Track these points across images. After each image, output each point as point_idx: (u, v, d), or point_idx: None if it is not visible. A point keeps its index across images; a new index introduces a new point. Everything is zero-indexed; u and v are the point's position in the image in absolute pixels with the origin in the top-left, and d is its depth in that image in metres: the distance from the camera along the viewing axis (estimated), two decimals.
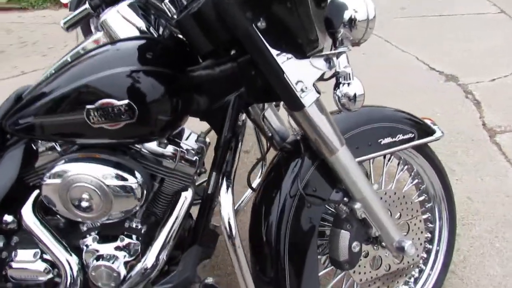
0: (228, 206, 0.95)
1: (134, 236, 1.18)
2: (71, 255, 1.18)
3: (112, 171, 1.06)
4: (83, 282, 1.19)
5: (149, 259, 1.14)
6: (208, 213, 1.21)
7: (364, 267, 1.18)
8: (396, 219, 1.21)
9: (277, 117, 1.25)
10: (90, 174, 1.04)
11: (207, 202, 1.18)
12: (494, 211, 1.75)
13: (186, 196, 1.16)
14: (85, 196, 1.06)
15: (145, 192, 1.10)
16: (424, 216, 1.38)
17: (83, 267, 1.19)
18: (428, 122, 1.30)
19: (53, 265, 1.20)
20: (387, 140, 1.18)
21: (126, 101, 0.95)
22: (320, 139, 1.02)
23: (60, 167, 1.07)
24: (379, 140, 1.17)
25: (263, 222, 1.09)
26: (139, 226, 1.18)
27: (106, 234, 1.19)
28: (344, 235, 1.11)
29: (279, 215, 1.07)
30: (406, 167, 1.34)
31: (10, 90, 1.12)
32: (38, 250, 1.21)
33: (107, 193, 1.06)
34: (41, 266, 1.21)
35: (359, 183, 1.07)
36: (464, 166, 2.04)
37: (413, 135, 1.22)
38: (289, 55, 0.93)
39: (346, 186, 1.08)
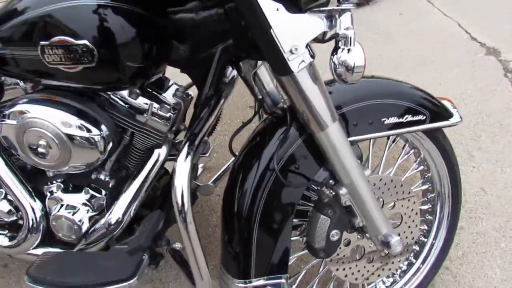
0: (183, 176, 0.82)
1: (100, 190, 1.10)
2: (34, 200, 1.12)
3: (73, 119, 0.95)
4: (45, 228, 1.13)
5: (113, 214, 1.06)
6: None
7: (344, 256, 1.06)
8: (388, 209, 1.08)
9: (272, 77, 1.09)
10: (48, 120, 0.94)
11: None
12: (508, 207, 1.58)
13: (159, 154, 1.06)
14: (42, 142, 0.96)
15: (109, 145, 1.00)
16: (424, 207, 1.24)
17: (46, 214, 1.12)
18: (446, 104, 1.11)
19: (18, 207, 1.14)
20: (392, 119, 1.01)
21: (83, 41, 0.82)
22: (308, 111, 0.87)
23: (18, 107, 0.97)
24: (382, 119, 1.00)
25: (237, 191, 0.97)
26: (107, 179, 1.10)
27: (71, 183, 1.11)
28: (324, 221, 0.99)
29: (254, 186, 0.95)
30: (412, 151, 1.18)
31: None
32: (2, 190, 1.14)
33: (65, 142, 0.95)
34: (5, 207, 1.15)
35: (348, 166, 0.93)
36: (486, 153, 1.84)
37: (424, 117, 1.04)
38: (280, 6, 0.76)
39: (333, 167, 0.94)
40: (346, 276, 1.08)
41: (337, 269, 1.07)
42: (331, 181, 0.98)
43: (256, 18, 0.75)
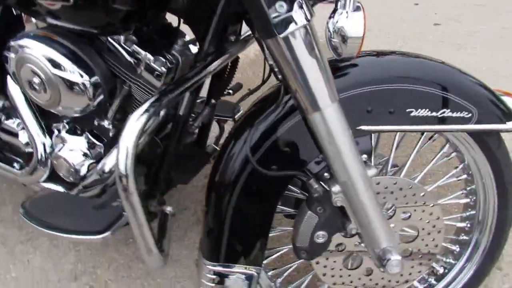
0: (129, 137, 0.72)
1: (100, 137, 1.07)
2: (45, 136, 1.13)
3: (65, 61, 0.91)
4: (52, 165, 1.15)
5: (107, 163, 1.03)
6: (180, 137, 1.03)
7: (334, 262, 0.90)
8: (401, 219, 0.88)
9: None
10: (39, 58, 0.90)
11: (178, 123, 0.99)
12: None
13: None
14: (35, 79, 0.94)
15: (101, 93, 0.95)
16: (461, 224, 1.01)
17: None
18: (507, 100, 0.85)
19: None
20: (422, 112, 0.79)
21: None
22: (299, 86, 0.70)
23: (18, 41, 0.95)
24: (408, 109, 0.79)
25: (223, 161, 0.86)
26: (108, 128, 1.06)
27: (76, 126, 1.09)
28: (310, 218, 0.84)
29: (234, 169, 0.83)
30: (454, 153, 0.94)
31: None
32: (21, 121, 1.18)
33: (53, 83, 0.92)
34: (23, 137, 1.19)
35: (344, 161, 0.75)
36: None
37: (469, 114, 0.80)
38: None
39: (326, 159, 0.77)
40: (334, 284, 0.93)
41: (324, 274, 0.92)
42: (326, 174, 0.81)
43: None
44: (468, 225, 1.00)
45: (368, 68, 0.81)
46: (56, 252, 1.39)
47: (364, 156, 0.81)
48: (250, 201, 0.84)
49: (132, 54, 0.91)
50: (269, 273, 1.01)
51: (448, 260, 1.03)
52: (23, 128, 1.18)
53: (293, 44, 0.66)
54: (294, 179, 0.87)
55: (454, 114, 0.80)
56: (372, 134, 0.86)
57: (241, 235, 0.86)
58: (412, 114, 0.80)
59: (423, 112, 0.80)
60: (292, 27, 0.64)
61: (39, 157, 1.14)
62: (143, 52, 0.90)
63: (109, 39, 0.93)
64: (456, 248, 1.02)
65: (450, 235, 1.05)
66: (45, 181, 1.18)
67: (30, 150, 1.20)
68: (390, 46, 2.13)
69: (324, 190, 0.81)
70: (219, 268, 0.88)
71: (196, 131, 1.18)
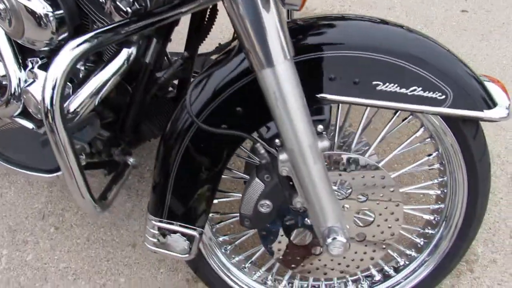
0: (57, 71, 0.66)
1: (71, 78, 1.04)
2: (20, 70, 1.11)
3: None
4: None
5: (72, 104, 1.00)
6: (147, 85, 0.99)
7: (281, 236, 0.86)
8: (356, 201, 0.82)
9: None
10: None
11: (144, 71, 0.95)
12: None
13: (127, 53, 0.94)
14: (1, 6, 0.90)
15: (66, 28, 0.91)
16: (428, 217, 0.95)
17: None
18: (492, 87, 0.76)
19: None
20: (390, 87, 0.72)
21: None
22: (250, 40, 0.64)
23: None
24: (374, 82, 0.72)
25: (174, 117, 0.81)
26: (80, 68, 1.02)
27: (47, 62, 1.07)
28: (256, 185, 0.79)
29: (181, 124, 0.78)
30: (429, 139, 0.87)
31: None
32: None
33: (16, 11, 0.88)
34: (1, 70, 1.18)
35: (293, 126, 0.69)
36: None
37: (443, 96, 0.73)
38: None
39: (276, 123, 0.71)
40: (280, 259, 0.89)
41: (270, 247, 0.87)
42: (277, 141, 0.76)
43: None
44: (436, 219, 0.93)
45: (334, 31, 0.73)
46: (29, 190, 1.39)
47: (320, 127, 0.75)
48: (196, 160, 0.79)
49: None
50: (220, 239, 0.98)
51: (410, 253, 0.97)
52: (0, 61, 1.17)
53: None
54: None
55: (426, 94, 0.73)
56: (335, 105, 0.80)
57: (185, 194, 0.82)
58: (379, 88, 0.72)
59: (391, 87, 0.72)
60: None
61: (12, 90, 1.12)
62: None
63: None
64: (420, 241, 0.96)
65: (417, 227, 0.99)
66: (18, 116, 1.17)
67: (5, 83, 1.18)
68: None
69: (272, 157, 0.75)
70: (161, 224, 0.85)
71: (171, 85, 1.13)
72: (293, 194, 0.78)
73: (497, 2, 2.15)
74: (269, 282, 1.01)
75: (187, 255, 0.86)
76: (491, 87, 0.76)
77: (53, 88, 0.66)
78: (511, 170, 1.38)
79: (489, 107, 0.74)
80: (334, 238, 0.75)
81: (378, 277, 0.99)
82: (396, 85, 0.72)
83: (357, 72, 0.72)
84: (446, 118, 0.78)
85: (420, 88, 0.72)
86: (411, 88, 0.72)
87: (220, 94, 0.74)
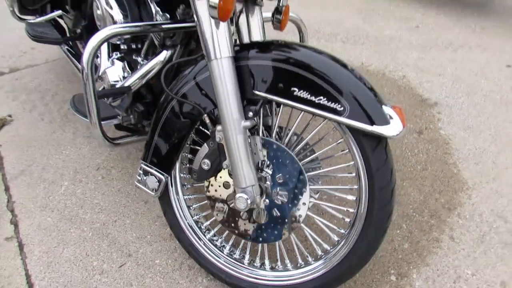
0: (90, 47, 1.05)
1: (130, 61, 1.44)
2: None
3: None
4: None
5: (110, 75, 1.38)
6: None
7: (216, 191, 1.13)
8: (275, 177, 1.06)
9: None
10: None
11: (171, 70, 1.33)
12: None
13: (164, 54, 1.31)
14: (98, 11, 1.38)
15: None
16: (346, 219, 1.11)
17: None
18: (387, 110, 0.94)
19: None
20: (303, 93, 0.96)
21: None
22: (202, 37, 0.97)
23: None
24: (293, 88, 0.97)
25: (164, 93, 1.13)
26: (138, 56, 1.43)
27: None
28: (203, 148, 1.08)
29: (185, 79, 1.08)
30: (346, 151, 1.06)
31: None
32: None
33: None
34: None
35: (226, 104, 0.97)
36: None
37: (342, 108, 0.94)
38: None
39: (216, 101, 1.00)
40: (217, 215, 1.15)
41: (209, 196, 1.14)
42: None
43: None
44: (348, 221, 1.09)
45: (276, 51, 1.00)
46: (97, 149, 1.87)
47: (250, 113, 1.02)
48: (171, 123, 1.12)
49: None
50: (188, 196, 1.27)
51: (321, 249, 1.13)
52: None
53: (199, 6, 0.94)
54: None
55: (329, 104, 0.94)
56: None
57: (161, 148, 1.15)
58: (295, 93, 0.97)
59: (304, 94, 0.96)
60: None
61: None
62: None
63: None
64: (334, 238, 1.12)
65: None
66: None
67: None
68: (452, 99, 2.11)
69: (213, 127, 1.05)
70: (144, 167, 1.19)
71: None
72: (223, 158, 1.06)
73: None
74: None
75: (154, 193, 1.18)
76: (388, 110, 0.95)
77: (88, 58, 1.06)
78: (474, 227, 1.41)
79: (378, 124, 0.93)
80: (238, 195, 1.00)
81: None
82: (308, 93, 0.96)
83: (282, 79, 0.98)
84: (352, 130, 0.98)
85: (325, 99, 0.95)
86: (318, 98, 0.95)
87: (190, 80, 1.07)
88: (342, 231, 1.10)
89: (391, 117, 0.94)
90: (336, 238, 1.12)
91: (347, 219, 1.09)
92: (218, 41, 0.95)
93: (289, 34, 2.49)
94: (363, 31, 2.82)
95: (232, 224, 1.16)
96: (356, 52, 2.56)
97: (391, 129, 0.93)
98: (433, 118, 1.95)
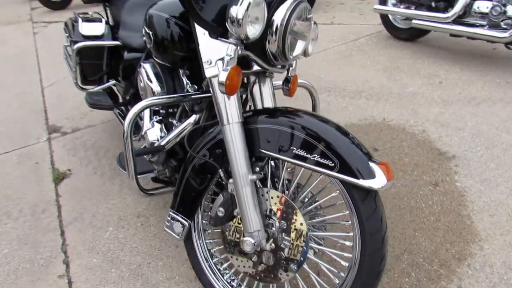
0: (131, 115, 1.31)
1: (166, 124, 1.69)
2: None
3: (155, 75, 1.61)
4: None
5: (149, 135, 1.64)
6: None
7: (231, 235, 1.28)
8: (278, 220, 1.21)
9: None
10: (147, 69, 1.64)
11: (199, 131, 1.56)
12: None
13: (194, 118, 1.55)
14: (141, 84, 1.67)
15: None
16: (343, 263, 1.22)
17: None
18: (374, 166, 1.07)
19: None
20: (301, 152, 1.13)
21: None
22: (216, 107, 1.18)
23: (144, 64, 1.70)
24: (292, 147, 1.15)
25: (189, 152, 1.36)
26: (172, 119, 1.68)
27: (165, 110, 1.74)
28: (219, 198, 1.27)
29: (205, 140, 1.30)
30: (341, 202, 1.20)
31: None
32: None
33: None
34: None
35: (236, 163, 1.17)
36: None
37: (333, 164, 1.09)
38: (206, 32, 1.13)
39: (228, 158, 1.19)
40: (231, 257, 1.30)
41: (226, 246, 1.30)
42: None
43: (195, 34, 1.16)
44: (347, 265, 1.20)
45: (280, 116, 1.19)
46: (139, 199, 2.11)
47: (257, 168, 1.20)
48: (194, 176, 1.32)
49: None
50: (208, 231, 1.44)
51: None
52: None
53: (213, 83, 1.16)
54: None
55: (322, 160, 1.10)
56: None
57: (185, 196, 1.35)
58: (294, 151, 1.14)
59: (301, 152, 1.13)
60: (210, 74, 1.14)
61: None
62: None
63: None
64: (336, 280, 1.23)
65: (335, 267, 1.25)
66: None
67: None
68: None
69: (227, 180, 1.23)
70: (172, 213, 1.39)
71: None
72: (235, 207, 1.23)
73: None
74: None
75: (179, 237, 1.36)
76: (374, 166, 1.09)
77: (129, 123, 1.31)
78: (484, 277, 1.43)
79: (365, 178, 1.07)
80: (246, 238, 1.16)
81: None
82: (304, 151, 1.13)
83: (282, 140, 1.16)
84: (343, 182, 1.12)
85: (319, 156, 1.11)
86: (313, 155, 1.12)
87: (211, 141, 1.27)
88: (342, 274, 1.21)
89: (376, 172, 1.08)
90: (337, 281, 1.22)
91: (345, 263, 1.20)
92: (229, 109, 1.16)
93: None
94: (386, 89, 2.98)
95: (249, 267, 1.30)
96: (379, 109, 2.71)
97: (376, 182, 1.07)
98: (450, 171, 2.01)
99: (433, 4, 3.49)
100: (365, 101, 2.84)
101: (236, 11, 1.00)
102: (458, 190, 1.89)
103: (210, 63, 1.14)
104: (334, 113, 2.72)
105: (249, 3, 1.00)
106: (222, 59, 1.11)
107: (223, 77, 1.04)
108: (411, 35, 3.94)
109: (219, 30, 1.10)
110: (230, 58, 1.07)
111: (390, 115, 2.60)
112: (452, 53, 3.52)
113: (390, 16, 4.06)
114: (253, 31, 1.05)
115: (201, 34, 1.14)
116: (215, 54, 1.13)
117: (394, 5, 3.92)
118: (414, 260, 1.54)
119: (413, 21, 3.55)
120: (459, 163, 2.07)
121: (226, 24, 1.05)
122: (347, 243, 1.22)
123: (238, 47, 1.07)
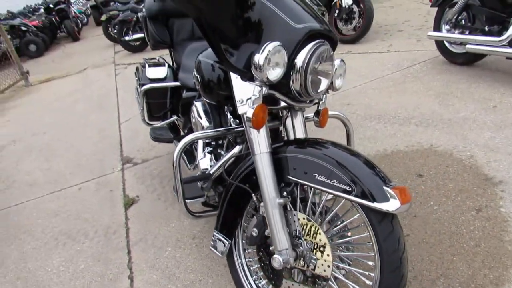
0: (180, 148, 1.52)
1: (215, 153, 1.91)
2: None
3: (204, 111, 1.84)
4: None
5: (200, 164, 1.85)
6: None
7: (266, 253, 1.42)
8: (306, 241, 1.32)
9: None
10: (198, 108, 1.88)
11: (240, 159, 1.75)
12: None
13: (238, 148, 1.75)
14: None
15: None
16: (367, 282, 1.30)
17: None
18: (389, 190, 1.16)
19: None
20: (322, 178, 1.26)
21: None
22: (247, 138, 1.36)
23: (195, 103, 1.95)
24: (314, 174, 1.28)
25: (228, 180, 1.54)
26: (218, 149, 1.90)
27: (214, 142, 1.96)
28: (254, 219, 1.42)
29: (241, 168, 1.48)
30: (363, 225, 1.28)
31: None
32: None
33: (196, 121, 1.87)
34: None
35: (266, 188, 1.32)
36: None
37: (350, 188, 1.20)
38: (238, 76, 1.33)
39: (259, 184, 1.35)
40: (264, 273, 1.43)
41: (261, 262, 1.44)
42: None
43: (231, 80, 1.36)
44: (371, 284, 1.27)
45: (306, 146, 1.33)
46: (195, 222, 2.32)
47: (285, 193, 1.34)
48: (232, 200, 1.49)
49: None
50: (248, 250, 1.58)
51: None
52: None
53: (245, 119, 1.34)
54: None
55: (340, 185, 1.22)
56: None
57: (225, 218, 1.52)
58: (316, 177, 1.27)
59: (322, 178, 1.25)
60: (241, 111, 1.33)
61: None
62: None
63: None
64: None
65: None
66: None
67: None
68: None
69: (259, 203, 1.38)
70: (215, 234, 1.56)
71: None
72: (266, 227, 1.37)
73: None
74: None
75: (221, 255, 1.53)
76: (389, 189, 1.18)
77: (177, 155, 1.53)
78: None
79: (379, 201, 1.16)
80: (275, 256, 1.29)
81: None
82: (324, 177, 1.26)
83: (307, 167, 1.30)
84: (361, 206, 1.22)
85: (337, 181, 1.23)
86: (332, 180, 1.24)
87: (246, 169, 1.45)
88: None
89: (390, 196, 1.17)
90: None
91: (369, 282, 1.28)
92: (259, 141, 1.33)
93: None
94: (437, 114, 2.96)
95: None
96: (427, 135, 2.70)
97: (389, 205, 1.16)
98: (495, 196, 1.97)
99: (486, 28, 3.42)
100: (414, 127, 2.85)
101: (258, 58, 1.18)
102: (502, 216, 1.84)
103: (242, 101, 1.33)
104: (381, 140, 2.76)
105: (269, 52, 1.18)
106: (250, 98, 1.29)
107: (249, 113, 1.22)
108: (467, 60, 3.85)
109: (248, 74, 1.29)
110: (256, 98, 1.25)
111: (438, 141, 2.58)
112: (509, 76, 3.39)
113: (445, 42, 4.02)
114: (275, 74, 1.22)
115: (234, 77, 1.34)
116: (245, 94, 1.32)
117: (448, 30, 3.89)
118: (450, 284, 1.55)
119: (467, 45, 3.50)
120: (506, 188, 2.01)
121: (251, 69, 1.23)
122: (370, 263, 1.29)
123: (263, 88, 1.25)
